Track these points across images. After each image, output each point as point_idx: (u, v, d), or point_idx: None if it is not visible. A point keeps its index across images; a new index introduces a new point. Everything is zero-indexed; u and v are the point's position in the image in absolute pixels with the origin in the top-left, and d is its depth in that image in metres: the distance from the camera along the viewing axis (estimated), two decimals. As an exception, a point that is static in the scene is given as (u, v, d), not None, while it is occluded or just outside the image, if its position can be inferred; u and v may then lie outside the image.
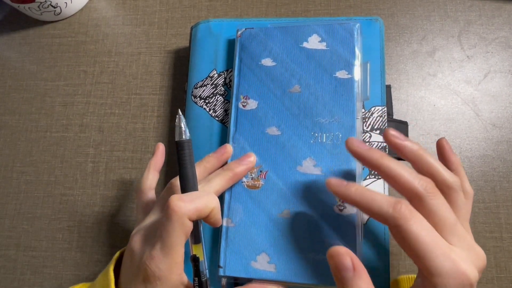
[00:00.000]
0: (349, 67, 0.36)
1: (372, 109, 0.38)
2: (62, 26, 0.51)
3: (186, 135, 0.30)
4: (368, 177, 0.36)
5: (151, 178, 0.36)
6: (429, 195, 0.26)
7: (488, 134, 0.42)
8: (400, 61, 0.45)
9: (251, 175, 0.35)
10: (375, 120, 0.37)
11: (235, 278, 0.34)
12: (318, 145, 0.34)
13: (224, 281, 0.34)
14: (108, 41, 0.50)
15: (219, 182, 0.33)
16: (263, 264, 0.32)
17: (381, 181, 0.35)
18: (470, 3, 0.46)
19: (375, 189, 0.35)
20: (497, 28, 0.45)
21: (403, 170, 0.27)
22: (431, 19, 0.46)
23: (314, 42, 0.37)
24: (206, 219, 0.30)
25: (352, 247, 0.31)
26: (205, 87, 0.41)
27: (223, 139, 0.39)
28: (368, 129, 0.37)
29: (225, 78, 0.41)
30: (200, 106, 0.40)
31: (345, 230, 0.32)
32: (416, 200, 0.27)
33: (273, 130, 0.35)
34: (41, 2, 0.47)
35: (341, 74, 0.36)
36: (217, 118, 0.39)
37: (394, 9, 0.47)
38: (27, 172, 0.46)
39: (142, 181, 0.36)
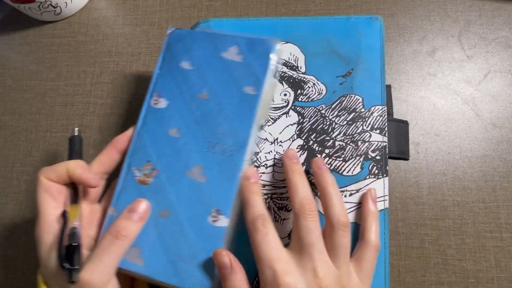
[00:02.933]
0: (258, 85, 0.36)
1: (372, 108, 0.38)
2: (62, 26, 0.51)
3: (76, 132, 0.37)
4: (367, 177, 0.36)
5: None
6: (300, 214, 0.30)
7: (488, 134, 0.42)
8: (400, 61, 0.45)
9: (144, 171, 0.35)
10: (375, 119, 0.37)
11: None
12: (210, 154, 0.35)
13: None
14: (108, 41, 0.50)
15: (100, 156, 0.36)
16: (133, 256, 0.33)
17: (381, 181, 0.35)
18: (470, 3, 0.46)
19: (375, 188, 0.35)
20: (497, 28, 0.45)
21: (299, 187, 0.32)
22: (431, 19, 0.46)
23: (232, 53, 0.37)
24: (75, 179, 0.34)
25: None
26: (205, 87, 0.41)
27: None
28: (368, 129, 0.37)
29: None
30: (200, 106, 0.40)
31: (212, 242, 0.32)
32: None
33: (174, 132, 0.36)
34: (41, 2, 0.47)
35: (249, 90, 0.36)
36: (216, 118, 0.39)
37: (394, 9, 0.47)
38: (27, 172, 0.46)
39: None
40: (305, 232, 0.30)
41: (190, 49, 0.38)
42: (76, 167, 0.33)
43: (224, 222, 0.32)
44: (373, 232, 0.32)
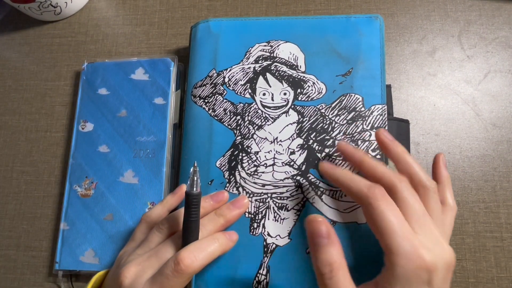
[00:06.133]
0: (165, 95, 0.43)
1: (372, 107, 0.38)
2: (62, 26, 0.52)
3: (197, 188, 0.32)
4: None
5: (159, 214, 0.37)
6: (403, 187, 0.29)
7: (488, 134, 0.42)
8: (400, 61, 0.45)
9: (84, 186, 0.42)
10: (375, 118, 0.37)
11: (69, 271, 0.40)
12: (137, 159, 0.42)
13: (60, 273, 0.40)
14: (108, 41, 0.50)
15: (211, 228, 0.34)
16: (90, 258, 0.40)
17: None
18: (470, 3, 0.46)
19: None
20: (497, 28, 0.45)
21: (381, 166, 0.31)
22: (431, 19, 0.46)
23: (139, 74, 0.45)
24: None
25: None
26: (204, 87, 0.41)
27: (223, 139, 0.39)
28: (368, 128, 0.37)
29: (224, 78, 0.41)
30: (199, 105, 0.40)
31: None
32: (391, 190, 0.29)
33: (103, 148, 0.43)
34: (41, 2, 0.47)
35: (158, 101, 0.43)
36: (216, 118, 0.39)
37: (394, 9, 0.47)
38: (27, 172, 0.46)
39: (150, 212, 0.37)
40: (414, 202, 0.29)
41: (103, 77, 0.45)
42: (223, 250, 0.33)
43: None
44: (450, 196, 0.33)
